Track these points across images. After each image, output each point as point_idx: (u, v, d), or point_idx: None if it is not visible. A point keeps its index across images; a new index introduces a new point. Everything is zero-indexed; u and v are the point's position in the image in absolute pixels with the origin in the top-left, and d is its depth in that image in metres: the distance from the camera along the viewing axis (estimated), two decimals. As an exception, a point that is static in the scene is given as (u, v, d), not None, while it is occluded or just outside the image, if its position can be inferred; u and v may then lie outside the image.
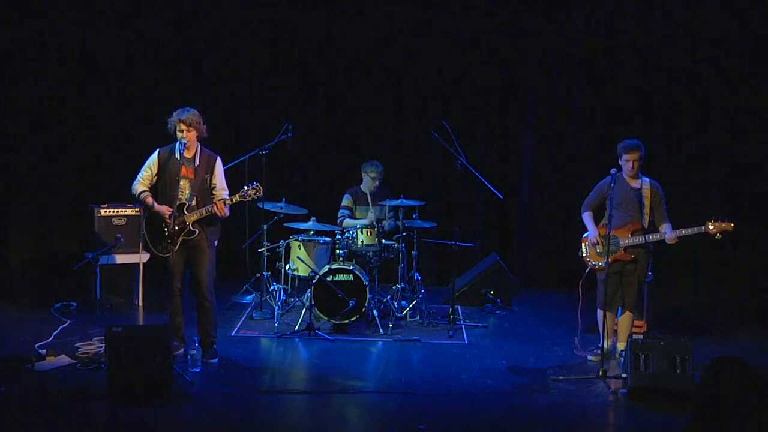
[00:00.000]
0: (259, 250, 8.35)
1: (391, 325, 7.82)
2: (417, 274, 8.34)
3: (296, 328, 7.72)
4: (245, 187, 6.67)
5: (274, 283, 8.43)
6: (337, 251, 8.18)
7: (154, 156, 6.79)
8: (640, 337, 6.46)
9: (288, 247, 8.30)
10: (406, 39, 9.78)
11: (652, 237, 6.87)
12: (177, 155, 6.63)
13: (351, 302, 7.69)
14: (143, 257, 8.40)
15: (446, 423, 5.75)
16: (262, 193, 6.69)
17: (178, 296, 6.84)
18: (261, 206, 8.10)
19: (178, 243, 6.67)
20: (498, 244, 9.78)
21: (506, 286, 9.05)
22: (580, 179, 9.35)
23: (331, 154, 9.92)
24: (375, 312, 7.89)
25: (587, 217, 7.12)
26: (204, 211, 6.62)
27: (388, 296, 8.27)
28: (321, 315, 7.79)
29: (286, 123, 8.26)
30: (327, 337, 7.56)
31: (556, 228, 9.80)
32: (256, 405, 6.00)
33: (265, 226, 8.33)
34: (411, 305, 8.28)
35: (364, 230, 8.05)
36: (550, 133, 9.88)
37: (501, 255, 9.29)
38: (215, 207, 6.59)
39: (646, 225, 6.92)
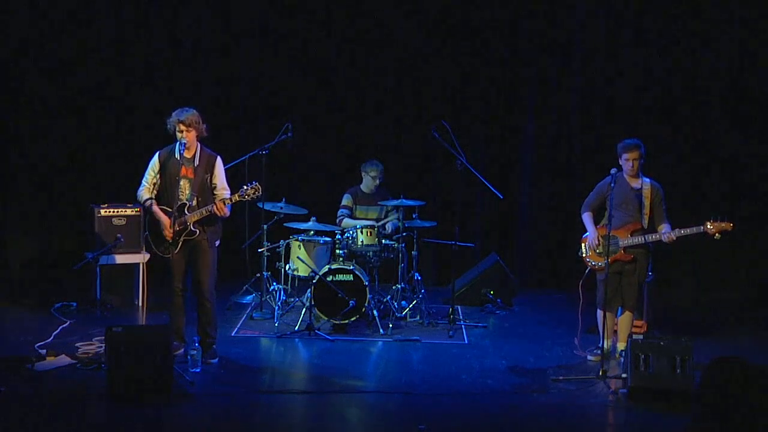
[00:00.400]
0: (259, 250, 8.36)
1: (391, 325, 7.82)
2: (417, 274, 8.34)
3: (296, 328, 7.72)
4: (244, 187, 6.68)
5: (274, 283, 8.43)
6: (337, 251, 8.18)
7: (155, 158, 6.80)
8: (640, 337, 6.47)
9: (288, 247, 8.30)
10: (406, 39, 9.78)
11: (651, 237, 6.87)
12: (177, 155, 6.64)
13: (351, 302, 7.70)
14: (143, 257, 8.40)
15: (446, 423, 5.74)
16: (260, 193, 6.69)
17: (178, 296, 6.84)
18: (261, 206, 8.10)
19: (180, 243, 6.67)
20: (498, 244, 9.78)
21: (506, 286, 9.05)
22: (580, 179, 9.37)
23: (331, 154, 9.92)
24: (375, 312, 7.89)
25: (587, 218, 7.12)
26: (204, 211, 6.62)
27: (388, 296, 8.27)
28: (321, 315, 7.79)
29: (286, 123, 8.26)
30: (327, 337, 7.56)
31: (556, 228, 9.80)
32: (256, 405, 6.01)
33: (265, 226, 8.33)
34: (411, 305, 8.28)
35: (364, 230, 8.05)
36: (550, 132, 9.88)
37: (501, 255, 9.29)
38: (215, 207, 6.59)
39: (645, 225, 6.92)
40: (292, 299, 8.42)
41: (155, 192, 6.80)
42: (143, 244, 8.19)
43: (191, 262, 6.79)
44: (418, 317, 8.21)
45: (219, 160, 6.82)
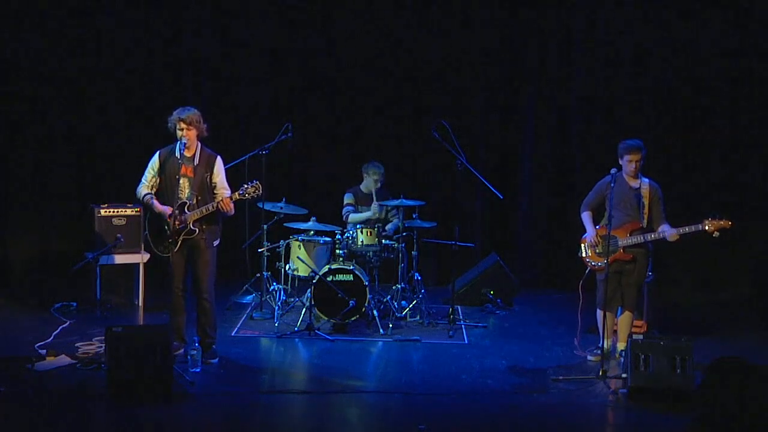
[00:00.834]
0: (259, 250, 8.36)
1: (391, 325, 7.82)
2: (417, 274, 8.34)
3: (296, 328, 7.72)
4: (245, 186, 6.69)
5: (274, 283, 8.43)
6: (337, 251, 8.18)
7: (155, 157, 6.80)
8: (640, 337, 6.46)
9: (288, 247, 8.30)
10: (406, 39, 9.78)
11: (651, 236, 6.88)
12: (177, 154, 6.64)
13: (351, 302, 7.70)
14: (143, 257, 8.40)
15: (446, 423, 5.75)
16: (261, 191, 6.69)
17: (178, 297, 6.84)
18: (261, 206, 8.10)
19: (179, 242, 6.68)
20: (498, 244, 9.78)
21: (506, 286, 9.05)
22: (580, 179, 9.36)
23: (331, 154, 9.92)
24: (375, 312, 7.89)
25: (586, 217, 7.13)
26: (205, 210, 6.63)
27: (388, 296, 8.27)
28: (321, 315, 7.79)
29: (286, 123, 8.26)
30: (327, 337, 7.56)
31: (556, 228, 9.79)
32: (256, 405, 6.01)
33: (265, 226, 8.33)
34: (411, 305, 8.28)
35: (364, 230, 8.05)
36: (550, 133, 9.88)
37: (501, 255, 9.29)
38: (221, 203, 6.59)
39: (644, 225, 6.93)
40: (292, 299, 8.42)
41: (154, 191, 6.81)
42: (143, 244, 8.20)
43: (191, 262, 6.79)
44: (418, 317, 8.21)
45: (219, 160, 6.83)
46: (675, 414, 5.86)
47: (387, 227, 8.48)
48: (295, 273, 8.16)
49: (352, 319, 7.79)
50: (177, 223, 6.64)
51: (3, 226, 9.53)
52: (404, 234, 8.27)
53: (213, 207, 6.63)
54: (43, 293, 8.70)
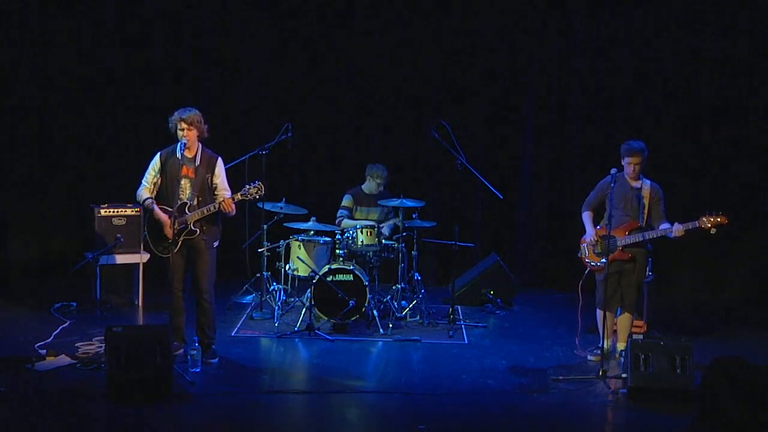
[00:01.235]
0: (259, 250, 8.36)
1: (391, 325, 7.82)
2: (417, 274, 8.34)
3: (296, 328, 7.72)
4: (247, 186, 6.69)
5: (274, 283, 8.43)
6: (337, 251, 8.18)
7: (156, 158, 6.80)
8: (640, 337, 6.47)
9: (288, 247, 8.30)
10: (406, 38, 9.78)
11: (650, 234, 6.87)
12: (178, 155, 6.64)
13: (351, 302, 7.70)
14: (143, 257, 8.40)
15: (446, 423, 5.75)
16: (263, 192, 6.70)
17: (178, 297, 6.84)
18: (261, 206, 8.10)
19: (179, 243, 6.68)
20: (498, 244, 9.78)
21: (506, 286, 9.05)
22: (579, 179, 9.37)
23: (332, 154, 9.91)
24: (375, 312, 7.89)
25: (586, 217, 7.13)
26: (206, 210, 6.63)
27: (388, 296, 8.27)
28: (321, 315, 7.79)
29: (286, 123, 8.26)
30: (327, 337, 7.56)
31: (556, 228, 9.79)
32: (256, 405, 6.01)
33: (265, 226, 8.33)
34: (411, 305, 8.28)
35: (364, 230, 8.05)
36: (549, 133, 9.88)
37: (501, 255, 9.29)
38: (223, 204, 6.59)
39: (644, 224, 6.93)
40: (292, 299, 8.43)
41: (155, 192, 6.81)
42: (143, 244, 8.20)
43: (190, 262, 6.79)
44: (418, 317, 8.21)
45: (220, 161, 6.83)
46: (675, 414, 5.86)
47: (383, 229, 8.44)
48: (295, 273, 8.16)
49: (352, 319, 7.79)
50: (177, 223, 6.64)
51: (3, 226, 9.53)
52: (404, 234, 8.27)
53: (215, 208, 6.63)
54: (43, 293, 8.70)
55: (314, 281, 7.74)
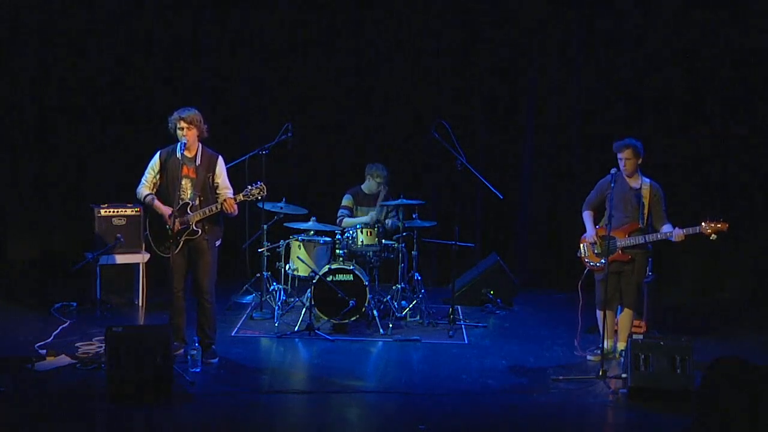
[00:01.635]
0: (259, 250, 8.36)
1: (391, 325, 7.82)
2: (417, 274, 8.34)
3: (296, 328, 7.72)
4: (249, 187, 6.69)
5: (274, 283, 8.43)
6: (337, 251, 8.18)
7: (156, 158, 6.80)
8: (640, 337, 6.46)
9: (288, 247, 8.30)
10: (406, 38, 9.78)
11: (651, 237, 6.88)
12: (178, 155, 6.64)
13: (351, 302, 7.70)
14: (143, 257, 8.40)
15: (446, 423, 5.75)
16: (266, 193, 6.70)
17: (179, 297, 6.84)
18: (261, 206, 8.10)
19: (181, 243, 6.67)
20: (498, 244, 9.78)
21: (506, 286, 9.05)
22: (580, 179, 9.36)
23: (332, 154, 9.91)
24: (375, 312, 7.89)
25: (587, 217, 7.13)
26: (208, 210, 6.63)
27: (388, 296, 8.27)
28: (321, 315, 7.79)
29: (286, 123, 8.26)
30: (327, 337, 7.56)
31: (556, 228, 9.79)
32: (256, 405, 6.01)
33: (265, 226, 8.33)
34: (411, 305, 8.28)
35: (364, 230, 8.05)
36: (550, 132, 9.88)
37: (501, 255, 9.29)
38: (225, 204, 6.59)
39: (644, 225, 6.92)
40: (292, 299, 8.43)
41: (155, 191, 6.80)
42: (143, 244, 8.20)
43: (192, 262, 6.79)
44: (418, 317, 8.21)
45: (221, 160, 6.83)
46: (675, 414, 5.86)
47: (387, 222, 8.45)
48: (295, 273, 8.16)
49: (352, 319, 7.79)
50: (179, 223, 6.64)
51: (3, 226, 9.53)
52: (404, 234, 8.27)
53: (216, 208, 6.63)
54: (43, 293, 8.69)
55: (314, 281, 7.74)
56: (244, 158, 8.24)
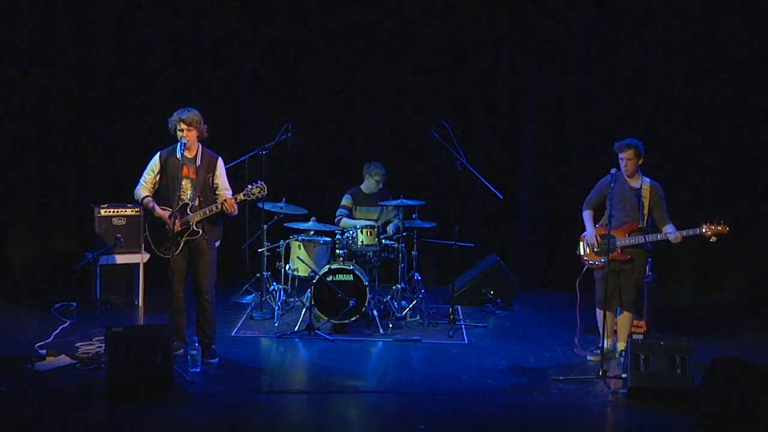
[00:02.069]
0: (259, 250, 8.36)
1: (391, 325, 7.82)
2: (417, 274, 8.34)
3: (296, 328, 7.72)
4: (249, 186, 6.69)
5: (274, 283, 8.43)
6: (337, 251, 8.18)
7: (156, 158, 6.80)
8: (640, 337, 6.47)
9: (288, 247, 8.30)
10: (407, 38, 9.78)
11: (651, 237, 6.88)
12: (178, 155, 6.64)
13: (351, 302, 7.70)
14: (143, 257, 8.40)
15: (446, 423, 5.75)
16: (266, 192, 6.70)
17: (179, 297, 6.84)
18: (261, 206, 8.10)
19: (181, 244, 6.67)
20: (498, 244, 9.78)
21: (506, 286, 9.05)
22: (580, 179, 9.36)
23: (332, 154, 9.91)
24: (375, 312, 7.89)
25: (587, 216, 7.13)
26: (208, 211, 6.63)
27: (388, 296, 8.27)
28: (321, 315, 7.79)
29: (286, 123, 8.26)
30: (327, 337, 7.56)
31: (556, 228, 9.79)
32: (256, 405, 6.01)
33: (265, 226, 8.33)
34: (411, 305, 8.28)
35: (364, 230, 8.05)
36: (550, 133, 9.88)
37: (501, 255, 9.29)
38: (225, 204, 6.59)
39: (644, 225, 6.92)
40: (292, 299, 8.42)
41: (153, 192, 6.80)
42: (143, 244, 8.20)
43: (192, 262, 6.79)
44: (418, 317, 8.21)
45: (220, 161, 6.83)
46: (675, 414, 5.86)
47: (388, 228, 8.47)
48: (295, 273, 8.16)
49: (352, 319, 7.79)
50: (179, 224, 6.64)
51: (3, 226, 9.52)
52: (404, 234, 8.27)
53: (217, 208, 6.63)
54: (43, 293, 8.70)
55: (314, 281, 7.74)
56: (244, 158, 8.24)
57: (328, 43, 9.84)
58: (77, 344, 7.06)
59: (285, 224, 8.37)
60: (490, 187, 8.31)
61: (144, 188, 6.79)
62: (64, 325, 7.64)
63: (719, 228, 6.68)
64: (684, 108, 9.54)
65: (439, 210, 9.62)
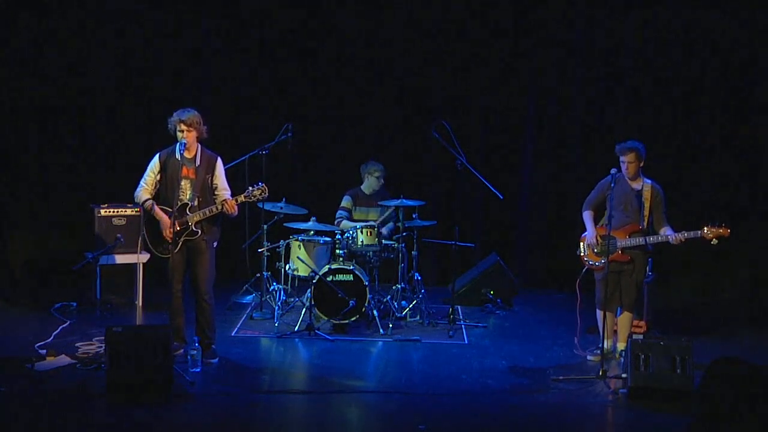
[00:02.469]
0: (259, 250, 8.36)
1: (391, 325, 7.82)
2: (417, 274, 8.34)
3: (296, 328, 7.72)
4: (250, 188, 6.69)
5: (274, 283, 8.43)
6: (337, 251, 8.18)
7: (155, 159, 6.80)
8: (640, 337, 6.47)
9: (288, 247, 8.30)
10: (406, 38, 9.78)
11: (651, 239, 6.88)
12: (177, 156, 6.64)
13: (351, 302, 7.70)
14: (143, 257, 8.40)
15: (446, 423, 5.75)
16: (267, 194, 6.71)
17: (178, 297, 6.84)
18: (261, 206, 8.10)
19: (179, 244, 6.67)
20: (498, 244, 9.78)
21: (506, 286, 9.05)
22: (580, 179, 9.36)
23: (332, 154, 9.92)
24: (375, 312, 7.89)
25: (587, 216, 7.13)
26: (207, 212, 6.64)
27: (388, 296, 8.27)
28: (321, 315, 7.79)
29: (286, 123, 8.26)
30: (327, 337, 7.56)
31: (556, 228, 9.79)
32: (256, 405, 6.01)
33: (265, 226, 8.33)
34: (411, 305, 8.28)
35: (364, 230, 8.05)
36: (550, 132, 9.88)
37: (501, 255, 9.29)
38: (225, 204, 6.59)
39: (644, 227, 6.93)
40: (292, 299, 8.43)
41: (154, 193, 6.80)
42: (141, 245, 8.19)
43: (190, 262, 6.79)
44: (418, 317, 8.21)
45: (219, 161, 6.83)
46: (675, 414, 5.86)
47: (383, 229, 8.44)
48: (295, 273, 8.16)
49: (352, 319, 7.79)
50: (178, 224, 6.64)
51: (3, 226, 9.52)
52: (404, 234, 8.27)
53: (217, 209, 6.63)
54: (43, 293, 8.70)
55: (314, 281, 7.74)
56: (244, 158, 8.24)
57: (329, 43, 9.84)
58: (77, 344, 7.07)
59: (285, 224, 8.37)
60: (490, 187, 8.31)
61: (145, 190, 6.79)
62: (64, 325, 7.64)
63: (720, 230, 6.69)
64: (684, 108, 9.53)
65: (439, 210, 9.62)
